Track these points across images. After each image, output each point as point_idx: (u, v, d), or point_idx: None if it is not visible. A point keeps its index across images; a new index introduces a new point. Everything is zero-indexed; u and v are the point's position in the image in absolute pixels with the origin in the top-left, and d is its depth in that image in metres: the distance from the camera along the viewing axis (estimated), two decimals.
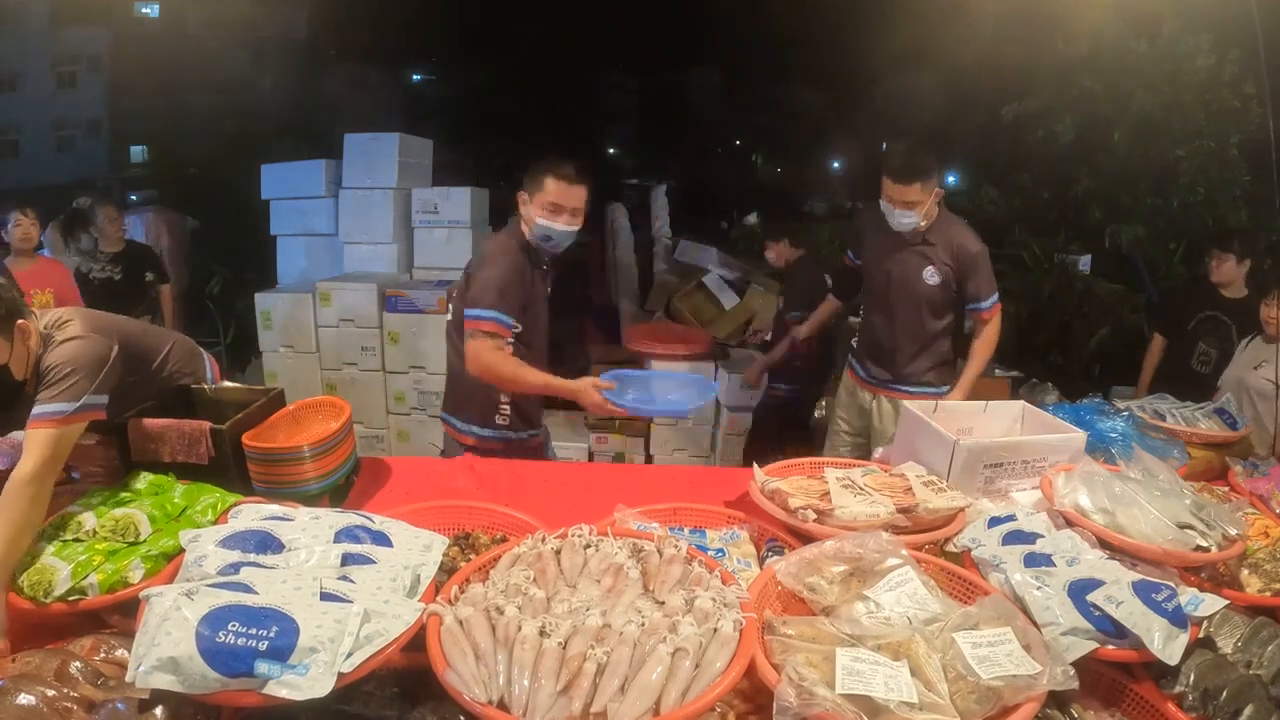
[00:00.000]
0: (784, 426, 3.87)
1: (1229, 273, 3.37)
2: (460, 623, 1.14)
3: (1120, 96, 5.43)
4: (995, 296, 2.55)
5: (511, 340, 2.15)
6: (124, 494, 1.55)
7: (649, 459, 4.31)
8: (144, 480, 1.60)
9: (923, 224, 2.46)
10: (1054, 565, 1.35)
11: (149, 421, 1.69)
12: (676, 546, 1.35)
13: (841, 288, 3.00)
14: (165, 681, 0.99)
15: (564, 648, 1.08)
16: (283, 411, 1.91)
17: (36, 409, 1.50)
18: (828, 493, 1.61)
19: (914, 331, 2.59)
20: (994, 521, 1.53)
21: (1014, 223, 6.41)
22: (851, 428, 2.82)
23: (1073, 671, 1.09)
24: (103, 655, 1.21)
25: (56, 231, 4.78)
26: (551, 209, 2.15)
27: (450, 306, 2.34)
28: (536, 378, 2.14)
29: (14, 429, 1.68)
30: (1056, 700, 1.16)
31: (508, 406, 2.30)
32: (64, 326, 1.61)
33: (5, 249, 3.65)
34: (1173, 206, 5.47)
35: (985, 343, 2.59)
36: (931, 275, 2.49)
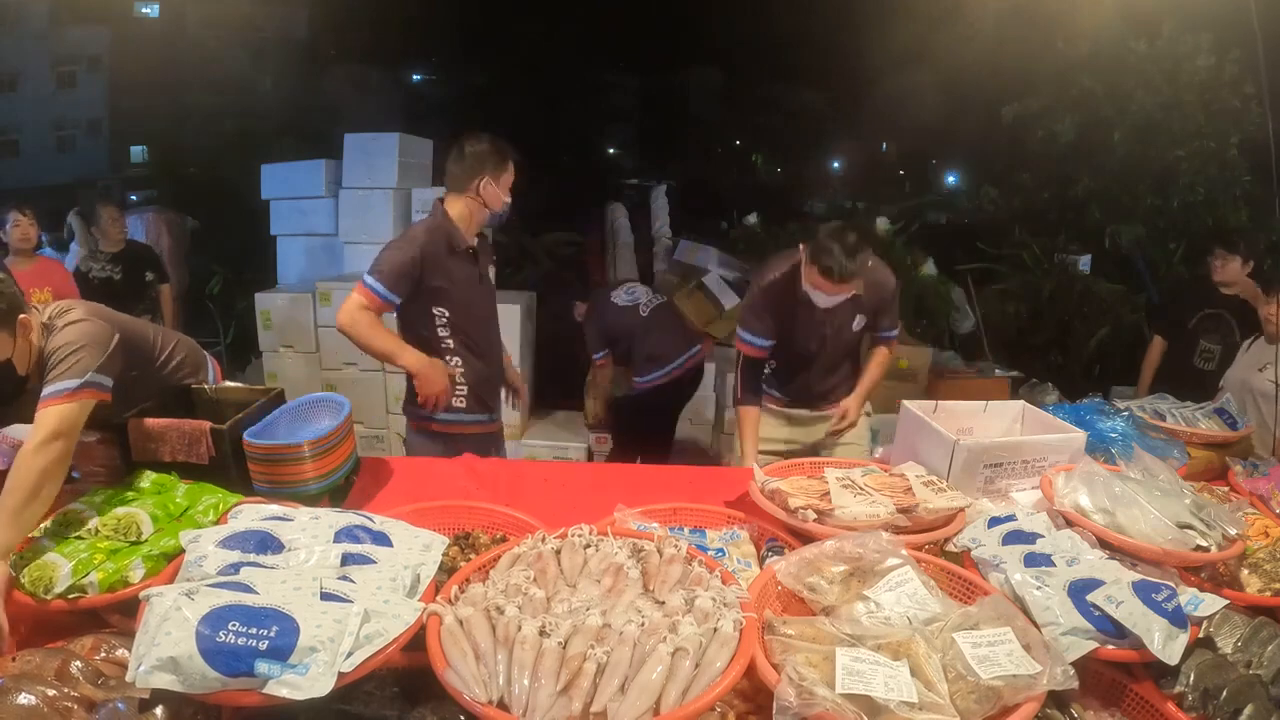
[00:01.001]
0: (650, 424, 3.76)
1: (1234, 273, 3.37)
2: (460, 622, 1.14)
3: (1120, 96, 5.43)
4: (898, 326, 2.63)
5: (442, 320, 2.34)
6: (128, 493, 1.55)
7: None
8: (148, 479, 1.60)
9: None
10: (1054, 565, 1.35)
11: (149, 421, 1.69)
12: (676, 546, 1.35)
13: (754, 383, 2.57)
14: (165, 681, 0.99)
15: (564, 647, 1.08)
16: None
17: (44, 391, 1.51)
18: (828, 493, 1.61)
19: (846, 370, 2.62)
20: (994, 521, 1.53)
21: (1014, 223, 6.41)
22: (790, 444, 2.69)
23: (1073, 671, 1.09)
24: (103, 655, 1.21)
25: (79, 222, 4.80)
26: (510, 189, 2.39)
27: None
28: (388, 342, 2.28)
29: (14, 420, 1.68)
30: (1056, 700, 1.16)
31: (464, 388, 2.41)
32: (65, 314, 1.63)
33: (4, 249, 3.65)
34: (1173, 206, 5.48)
35: (889, 360, 2.63)
36: (859, 321, 2.50)
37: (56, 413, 1.48)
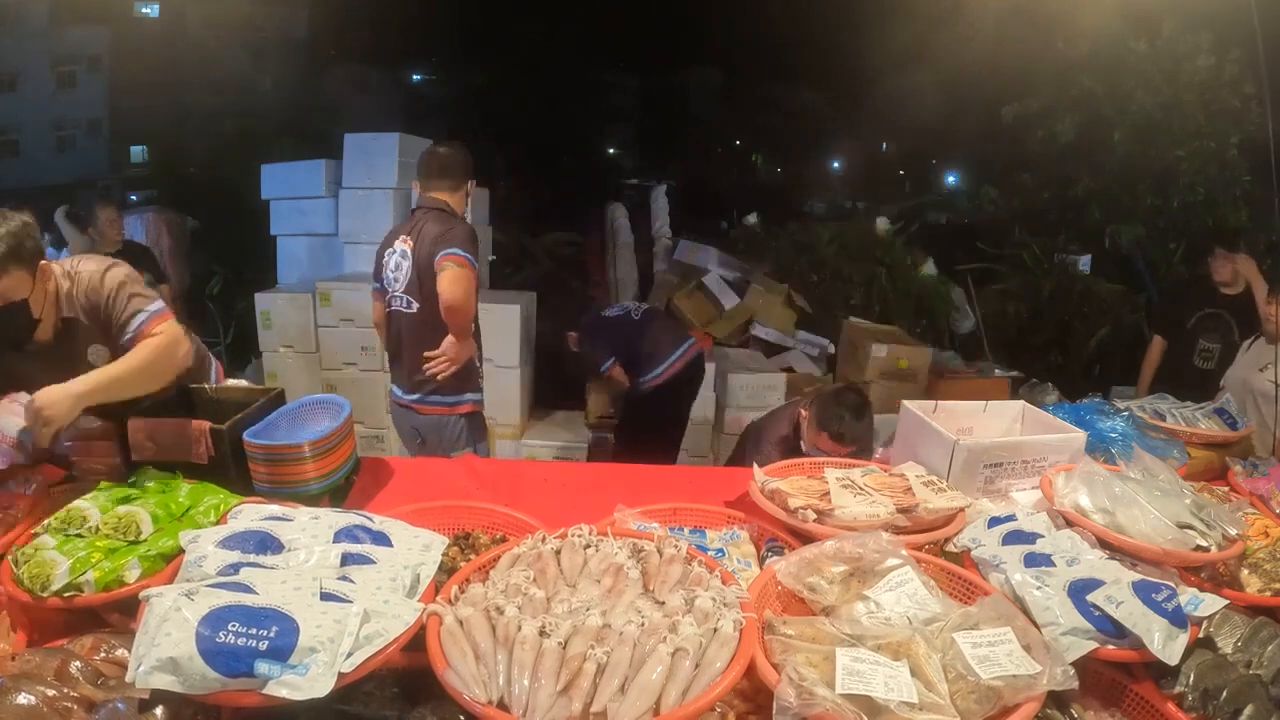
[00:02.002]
0: (657, 421, 3.83)
1: (1234, 272, 3.39)
2: (460, 623, 1.14)
3: (1120, 96, 5.44)
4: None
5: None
6: (131, 491, 1.55)
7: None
8: (152, 477, 1.60)
9: None
10: (1054, 565, 1.35)
11: (149, 420, 1.69)
12: (676, 546, 1.35)
13: None
14: (165, 682, 0.99)
15: (564, 648, 1.08)
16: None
17: (139, 320, 1.74)
18: (828, 493, 1.61)
19: None
20: (994, 521, 1.53)
21: (1014, 223, 6.42)
22: None
23: (1072, 671, 1.09)
24: (103, 655, 1.21)
25: (68, 225, 4.79)
26: None
27: (401, 290, 2.54)
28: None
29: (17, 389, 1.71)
30: (1056, 700, 1.16)
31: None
32: (85, 261, 1.78)
33: None
34: (1173, 206, 5.48)
35: None
36: None
37: (170, 324, 1.75)
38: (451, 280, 2.32)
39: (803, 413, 2.37)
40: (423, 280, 2.45)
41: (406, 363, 2.57)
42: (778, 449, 2.44)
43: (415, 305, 2.50)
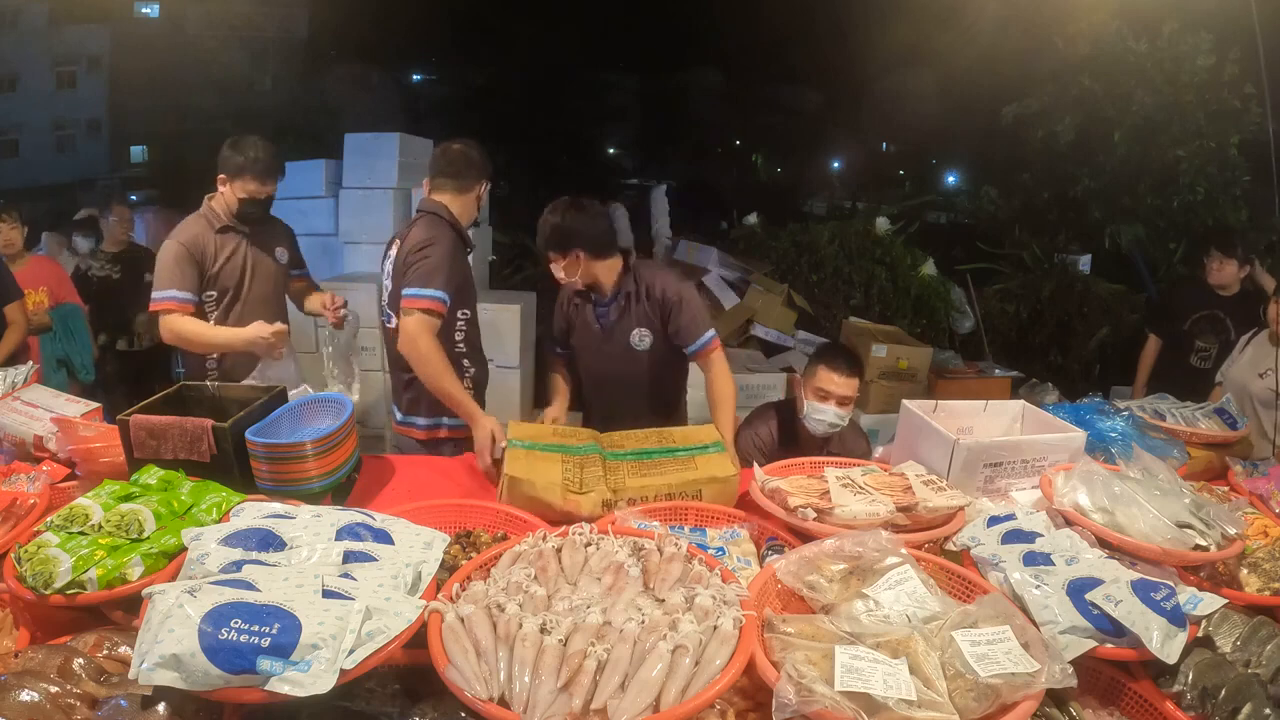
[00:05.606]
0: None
1: (1229, 275, 3.38)
2: (461, 620, 1.15)
3: (1120, 96, 5.44)
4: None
5: (462, 322, 2.33)
6: (134, 489, 1.55)
7: None
8: (155, 475, 1.60)
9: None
10: (1053, 564, 1.35)
11: (151, 418, 1.69)
12: (677, 545, 1.35)
13: None
14: (168, 678, 0.99)
15: (564, 645, 1.09)
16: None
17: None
18: (827, 491, 1.61)
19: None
20: (993, 520, 1.53)
21: (1014, 223, 6.43)
22: None
23: (1071, 670, 1.09)
24: (106, 652, 1.21)
25: (54, 239, 4.78)
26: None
27: (386, 303, 2.37)
28: (455, 386, 2.13)
29: None
30: (1055, 698, 1.16)
31: (471, 392, 2.34)
32: None
33: None
34: (1173, 206, 5.49)
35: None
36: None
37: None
38: (410, 333, 2.08)
39: (795, 380, 2.38)
40: (395, 297, 2.23)
41: (393, 379, 2.42)
42: (763, 435, 2.45)
43: (395, 321, 2.26)
